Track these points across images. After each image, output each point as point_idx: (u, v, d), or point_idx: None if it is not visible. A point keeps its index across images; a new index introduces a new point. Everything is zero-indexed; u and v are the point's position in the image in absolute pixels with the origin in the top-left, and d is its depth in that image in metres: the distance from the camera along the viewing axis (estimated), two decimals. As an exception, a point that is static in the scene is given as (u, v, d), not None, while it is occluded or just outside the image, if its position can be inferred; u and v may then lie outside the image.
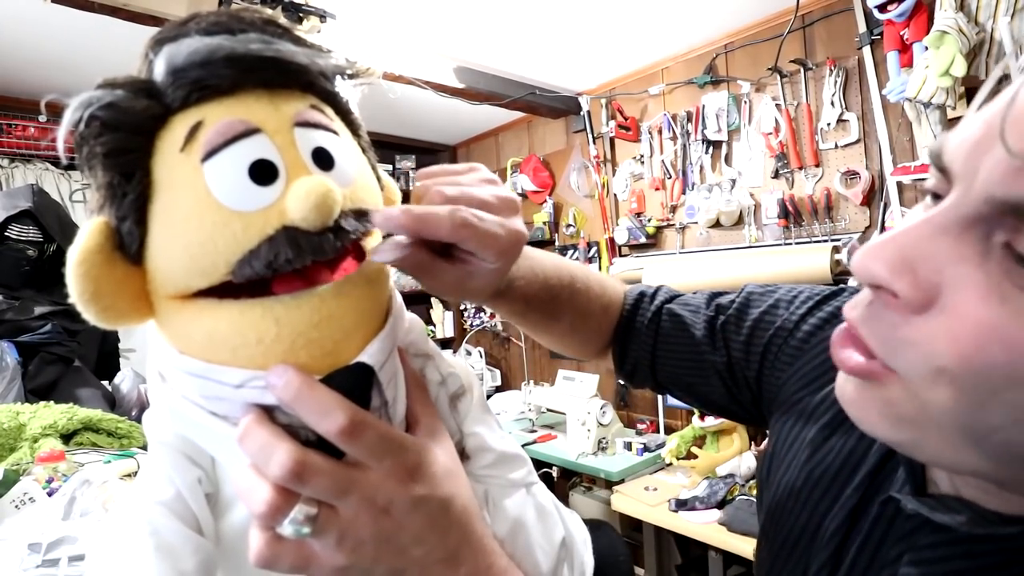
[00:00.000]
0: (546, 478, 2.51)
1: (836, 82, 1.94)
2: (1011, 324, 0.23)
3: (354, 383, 0.31)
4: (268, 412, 0.30)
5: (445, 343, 3.48)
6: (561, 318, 0.54)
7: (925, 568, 0.32)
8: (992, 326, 0.24)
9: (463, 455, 0.39)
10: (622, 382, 0.86)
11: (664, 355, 0.57)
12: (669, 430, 2.41)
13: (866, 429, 0.30)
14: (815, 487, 0.42)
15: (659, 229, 2.48)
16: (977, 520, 0.30)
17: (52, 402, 1.09)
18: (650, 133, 2.48)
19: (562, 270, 0.53)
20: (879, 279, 0.27)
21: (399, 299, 0.37)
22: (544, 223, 2.96)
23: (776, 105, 2.09)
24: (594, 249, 2.75)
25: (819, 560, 0.39)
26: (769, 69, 2.06)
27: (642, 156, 2.52)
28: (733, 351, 0.54)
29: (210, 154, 0.27)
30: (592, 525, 0.45)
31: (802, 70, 2.02)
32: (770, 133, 2.10)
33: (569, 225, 2.84)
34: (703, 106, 2.28)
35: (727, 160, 2.26)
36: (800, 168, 2.05)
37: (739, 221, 2.21)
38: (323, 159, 0.30)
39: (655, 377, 0.59)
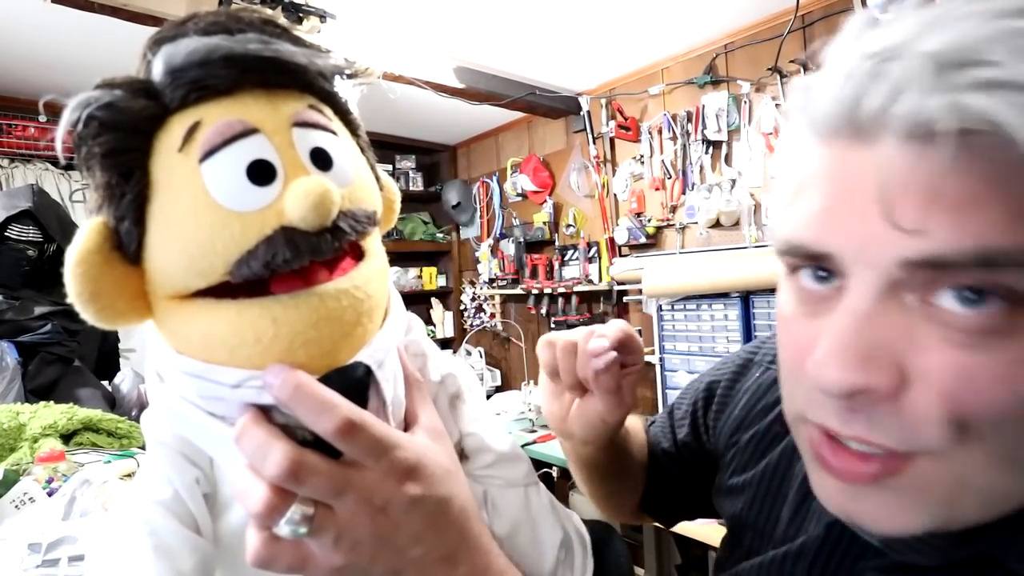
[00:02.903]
0: (546, 478, 2.50)
1: (836, 82, 1.93)
2: (975, 365, 0.25)
3: (352, 382, 0.31)
4: (265, 412, 0.29)
5: (445, 343, 3.48)
6: (628, 476, 0.60)
7: None
8: (957, 374, 0.25)
9: (462, 455, 0.39)
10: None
11: (663, 486, 0.62)
12: (669, 430, 2.41)
13: (891, 530, 0.29)
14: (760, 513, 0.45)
15: (659, 229, 2.48)
16: (936, 551, 0.31)
17: (52, 402, 1.09)
18: (650, 133, 2.48)
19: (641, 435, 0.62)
20: (855, 387, 0.26)
21: (398, 299, 0.37)
22: (544, 223, 2.96)
23: (776, 105, 2.08)
24: (594, 249, 2.75)
25: None
26: (769, 69, 2.06)
27: (642, 156, 2.52)
28: (700, 435, 0.58)
29: (208, 154, 0.27)
30: (592, 525, 0.45)
31: (802, 70, 2.02)
32: (770, 133, 2.10)
33: (569, 225, 2.84)
34: (703, 106, 2.27)
35: (727, 160, 2.26)
36: (800, 168, 2.05)
37: (739, 221, 2.21)
38: (321, 159, 0.30)
39: (683, 508, 0.63)
